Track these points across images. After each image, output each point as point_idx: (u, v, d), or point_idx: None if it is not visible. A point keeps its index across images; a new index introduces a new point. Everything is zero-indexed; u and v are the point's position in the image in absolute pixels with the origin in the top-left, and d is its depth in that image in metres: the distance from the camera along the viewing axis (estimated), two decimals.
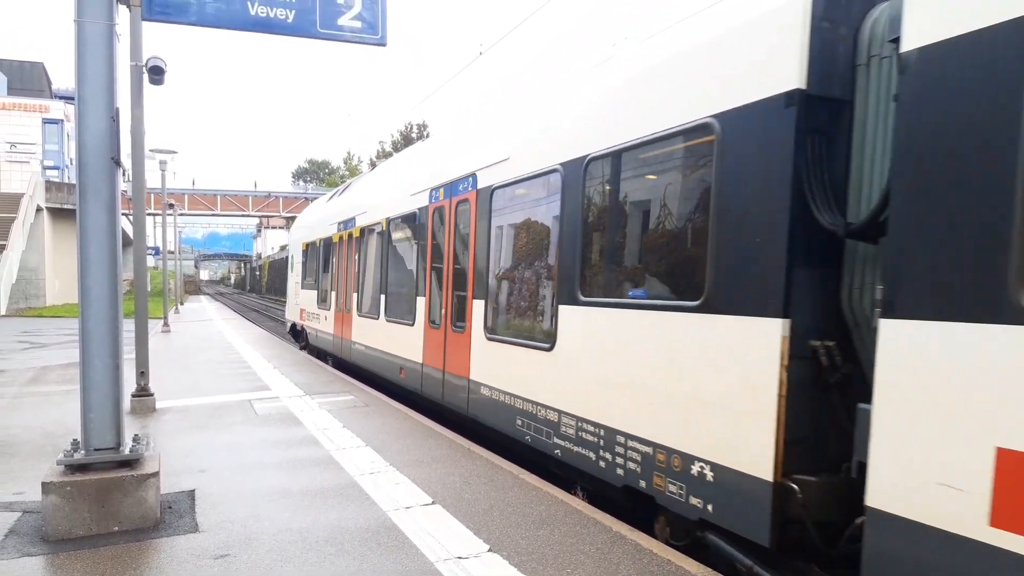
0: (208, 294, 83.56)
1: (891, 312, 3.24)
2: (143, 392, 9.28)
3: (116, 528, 4.79)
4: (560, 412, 6.08)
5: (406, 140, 71.31)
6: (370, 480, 6.10)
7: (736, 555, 4.35)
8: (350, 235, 13.68)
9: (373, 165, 61.89)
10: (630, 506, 5.31)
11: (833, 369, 3.97)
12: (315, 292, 16.99)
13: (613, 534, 4.89)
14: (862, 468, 3.45)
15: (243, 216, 66.86)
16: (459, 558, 4.42)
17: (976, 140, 2.94)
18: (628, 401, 5.20)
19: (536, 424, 6.47)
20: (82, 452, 4.89)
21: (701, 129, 4.60)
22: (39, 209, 41.05)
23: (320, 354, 16.48)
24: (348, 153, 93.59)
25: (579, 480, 6.15)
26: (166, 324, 24.20)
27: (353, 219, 13.49)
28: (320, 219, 16.92)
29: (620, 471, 5.27)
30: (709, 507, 4.43)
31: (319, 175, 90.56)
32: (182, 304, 45.49)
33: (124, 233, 7.53)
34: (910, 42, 3.20)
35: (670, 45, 5.07)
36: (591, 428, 5.62)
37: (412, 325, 9.83)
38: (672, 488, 4.75)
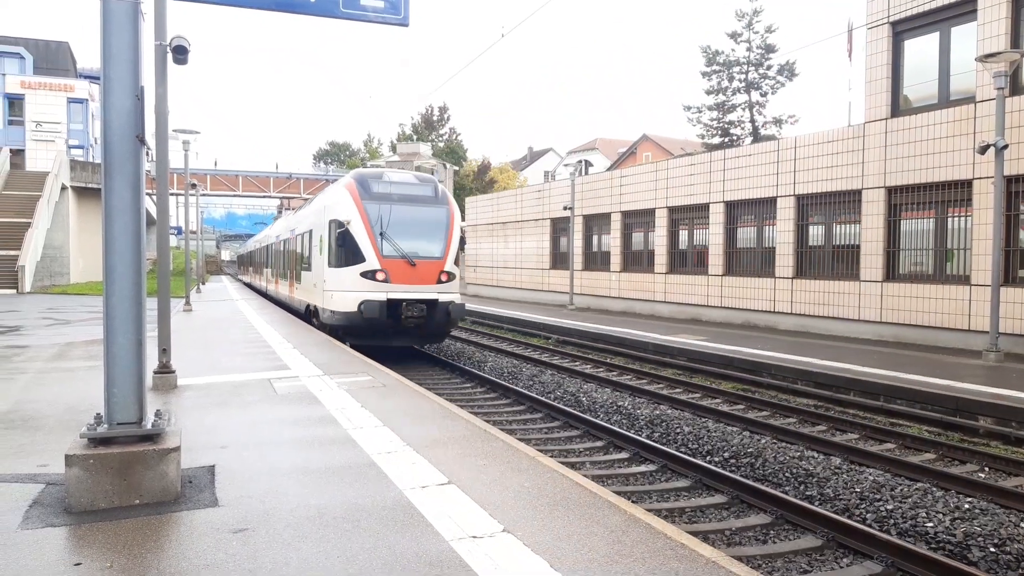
0: (229, 274, 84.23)
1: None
2: (165, 369, 9.41)
3: (137, 501, 4.88)
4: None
5: (427, 123, 71.21)
6: (387, 459, 6.16)
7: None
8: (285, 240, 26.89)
9: (393, 148, 61.87)
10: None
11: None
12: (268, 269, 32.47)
13: (628, 516, 4.90)
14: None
15: (264, 197, 67.14)
16: (474, 537, 4.46)
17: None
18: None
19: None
20: (105, 426, 4.98)
21: None
22: (64, 188, 41.56)
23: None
24: (368, 135, 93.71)
25: None
26: (188, 303, 24.49)
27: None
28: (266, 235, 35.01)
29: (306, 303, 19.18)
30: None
31: (340, 157, 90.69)
32: (203, 284, 45.96)
33: (147, 213, 7.60)
34: None
35: None
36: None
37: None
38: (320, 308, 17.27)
